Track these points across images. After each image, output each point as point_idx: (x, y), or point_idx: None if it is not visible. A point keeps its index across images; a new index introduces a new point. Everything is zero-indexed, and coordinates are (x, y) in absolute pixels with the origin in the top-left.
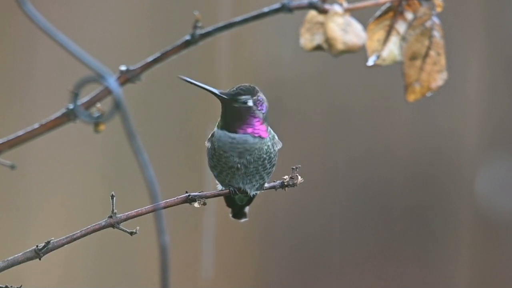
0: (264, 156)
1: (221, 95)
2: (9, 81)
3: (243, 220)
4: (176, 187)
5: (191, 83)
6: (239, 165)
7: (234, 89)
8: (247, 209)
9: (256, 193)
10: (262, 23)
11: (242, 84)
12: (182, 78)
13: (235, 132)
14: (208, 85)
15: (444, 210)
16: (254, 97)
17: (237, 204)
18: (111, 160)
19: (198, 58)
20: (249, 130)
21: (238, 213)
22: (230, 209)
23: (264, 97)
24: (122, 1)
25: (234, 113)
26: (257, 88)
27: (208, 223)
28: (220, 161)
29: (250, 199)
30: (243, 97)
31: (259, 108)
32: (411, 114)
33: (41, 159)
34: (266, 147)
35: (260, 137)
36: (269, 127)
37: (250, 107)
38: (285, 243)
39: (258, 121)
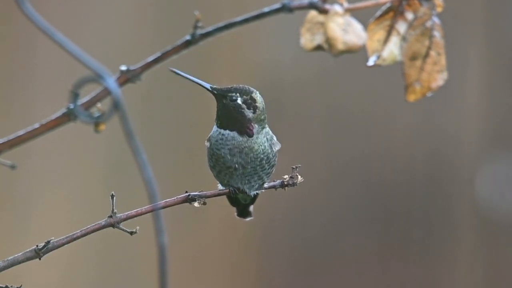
0: (262, 156)
1: (212, 90)
2: (10, 81)
3: (248, 219)
4: (176, 186)
5: (182, 76)
6: (236, 165)
7: (229, 86)
8: (251, 208)
9: (258, 192)
10: (262, 25)
11: (240, 85)
12: (173, 71)
13: (224, 128)
14: (203, 80)
15: (444, 211)
16: (245, 96)
17: (241, 203)
18: (112, 160)
19: (198, 60)
20: (236, 127)
21: (243, 212)
22: (233, 209)
23: (259, 99)
24: (122, 1)
25: (223, 110)
26: (253, 89)
27: (208, 223)
28: (218, 161)
29: (253, 198)
30: (232, 94)
31: (249, 108)
32: (411, 115)
33: (41, 159)
34: (262, 147)
35: (247, 136)
36: (267, 128)
37: (238, 104)
38: (285, 244)
39: (246, 119)
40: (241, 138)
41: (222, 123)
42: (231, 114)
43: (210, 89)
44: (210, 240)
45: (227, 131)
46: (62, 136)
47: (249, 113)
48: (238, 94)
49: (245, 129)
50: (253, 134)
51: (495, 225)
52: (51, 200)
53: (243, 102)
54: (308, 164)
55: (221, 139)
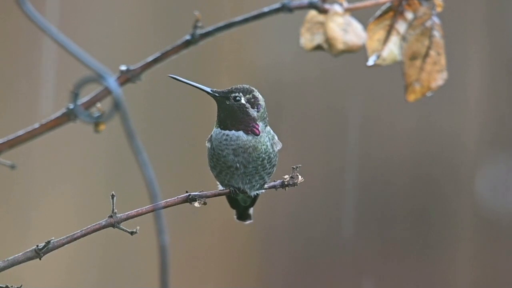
0: (263, 156)
1: (213, 93)
2: (9, 81)
3: (248, 222)
4: (176, 186)
5: (181, 81)
6: (238, 165)
7: (229, 88)
8: (251, 210)
9: (258, 193)
10: (263, 26)
11: (239, 85)
12: (172, 77)
13: (229, 129)
14: (203, 85)
15: (444, 211)
16: (248, 96)
17: (240, 205)
18: (112, 159)
19: (198, 61)
20: (241, 127)
21: (242, 215)
22: (234, 211)
23: (260, 97)
24: (122, 1)
25: (227, 111)
26: (252, 88)
27: (209, 223)
28: (219, 161)
29: (253, 200)
30: (235, 94)
31: (253, 107)
32: (411, 115)
33: (41, 158)
34: (264, 146)
35: (253, 134)
36: (268, 127)
37: (242, 104)
38: (286, 244)
39: (251, 118)
40: (246, 138)
41: (226, 124)
42: (236, 114)
43: (211, 92)
44: (210, 240)
45: (232, 131)
46: (62, 136)
47: (253, 112)
48: (241, 94)
49: (251, 128)
50: (259, 132)
51: (495, 225)
52: (51, 200)
53: (246, 101)
54: (309, 166)
55: (226, 139)
